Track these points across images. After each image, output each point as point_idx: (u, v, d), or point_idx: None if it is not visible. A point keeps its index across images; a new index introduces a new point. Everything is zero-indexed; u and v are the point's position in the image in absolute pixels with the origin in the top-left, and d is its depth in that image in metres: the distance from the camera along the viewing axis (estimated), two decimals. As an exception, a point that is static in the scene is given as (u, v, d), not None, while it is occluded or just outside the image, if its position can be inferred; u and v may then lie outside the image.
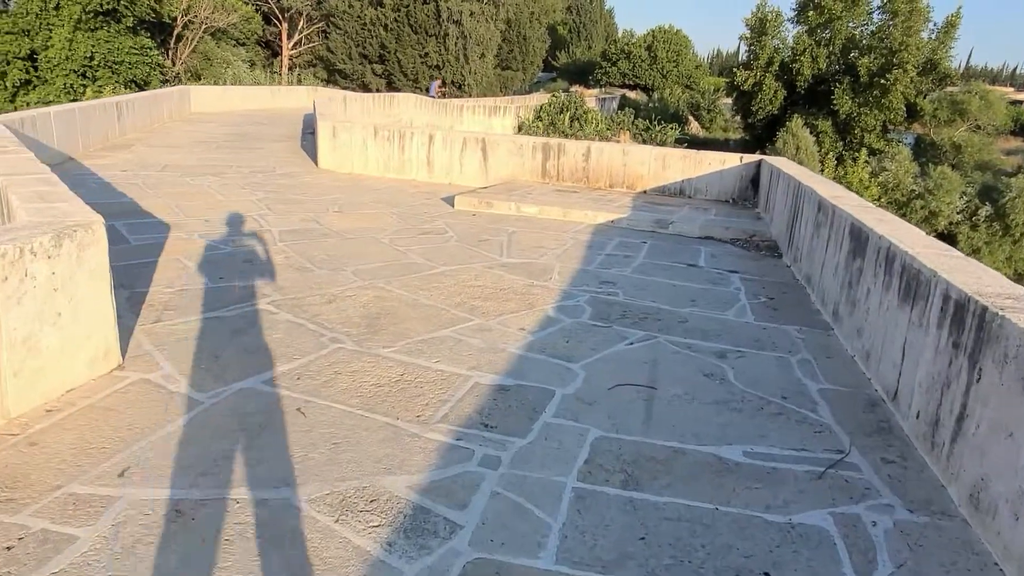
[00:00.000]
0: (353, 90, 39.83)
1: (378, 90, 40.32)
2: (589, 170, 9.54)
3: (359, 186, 9.51)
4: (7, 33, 30.09)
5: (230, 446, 3.01)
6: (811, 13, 35.08)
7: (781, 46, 37.03)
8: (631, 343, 4.46)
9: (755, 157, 8.95)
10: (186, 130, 14.77)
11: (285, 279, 5.32)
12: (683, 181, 9.14)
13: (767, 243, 7.14)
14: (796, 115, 32.22)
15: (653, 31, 57.97)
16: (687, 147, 35.89)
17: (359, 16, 39.72)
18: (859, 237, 4.48)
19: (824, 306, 5.18)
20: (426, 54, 40.30)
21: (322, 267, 5.69)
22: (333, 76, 41.31)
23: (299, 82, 38.76)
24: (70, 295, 3.37)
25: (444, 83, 39.09)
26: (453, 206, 8.41)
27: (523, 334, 4.50)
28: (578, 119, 32.77)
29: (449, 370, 3.91)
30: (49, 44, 30.27)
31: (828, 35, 35.65)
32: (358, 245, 6.44)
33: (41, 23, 30.05)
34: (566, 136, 30.46)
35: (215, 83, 34.46)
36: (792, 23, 37.13)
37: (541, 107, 32.62)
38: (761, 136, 36.25)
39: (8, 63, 30.34)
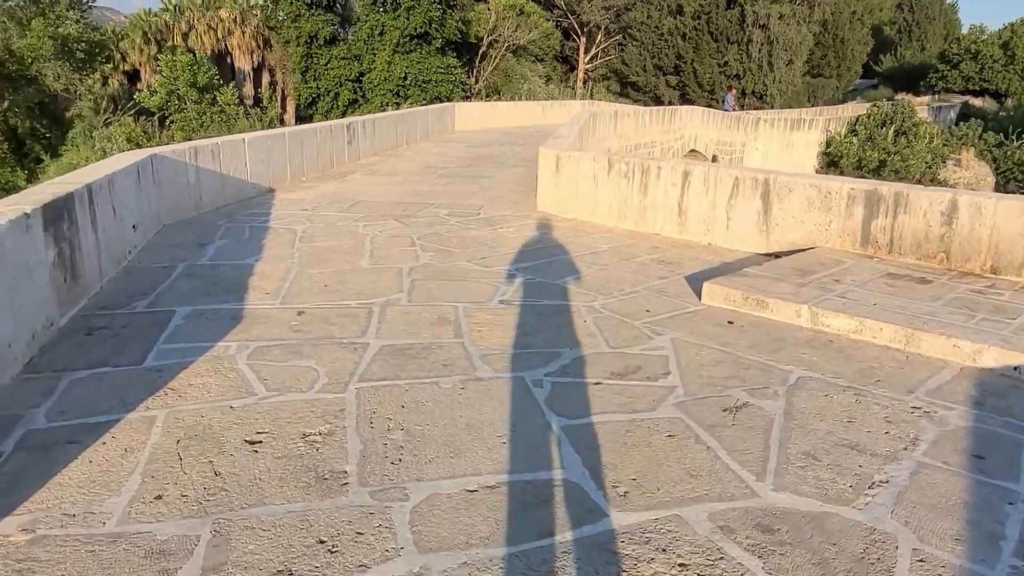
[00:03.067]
0: (645, 103, 36.76)
1: (671, 102, 36.76)
2: (952, 240, 5.28)
3: (573, 244, 6.34)
4: (342, 58, 32.30)
5: None
6: None
7: None
8: None
9: None
10: (428, 152, 12.85)
11: (252, 530, 2.37)
12: None
13: None
14: None
15: (1012, 25, 46.03)
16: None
17: (656, 27, 36.49)
18: None
19: None
20: (725, 63, 35.75)
21: (351, 490, 2.63)
22: (626, 89, 38.68)
23: (591, 96, 36.78)
24: None
25: (743, 94, 34.19)
26: (699, 297, 4.86)
27: None
28: (905, 133, 25.95)
29: None
30: (372, 67, 31.91)
31: None
32: (471, 404, 3.28)
33: (367, 48, 31.79)
34: (888, 155, 24.13)
35: (512, 98, 33.83)
36: None
37: (857, 119, 26.40)
38: None
39: (341, 85, 32.61)
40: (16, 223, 3.53)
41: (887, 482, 2.71)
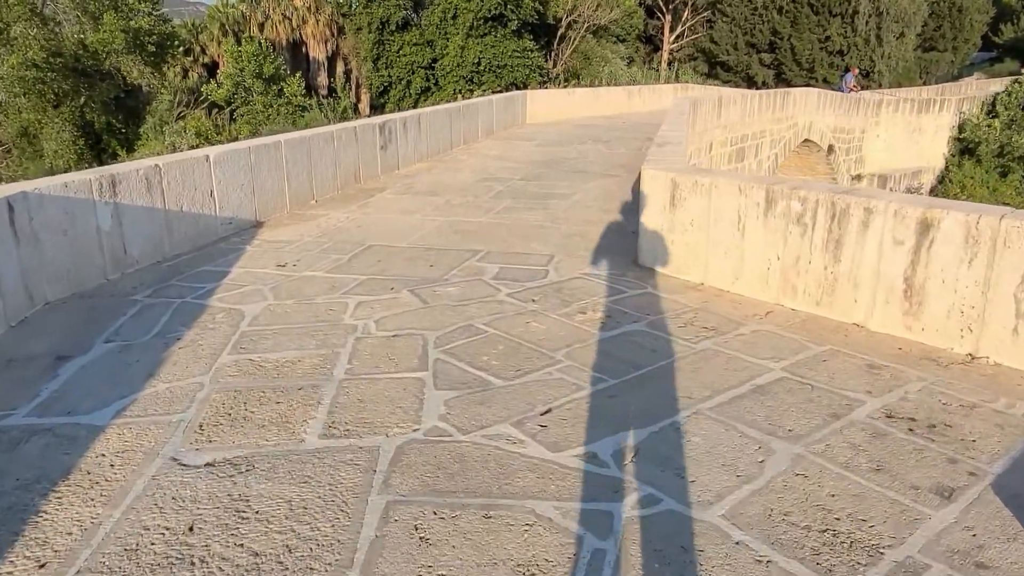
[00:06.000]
0: (735, 84, 32.47)
1: (764, 83, 32.40)
2: None
3: (714, 360, 3.29)
4: (414, 44, 29.82)
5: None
6: None
7: None
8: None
9: None
10: (487, 155, 9.84)
11: None
12: None
13: None
14: None
15: None
16: None
17: (750, 0, 32.07)
18: None
19: None
20: (827, 38, 31.02)
21: None
22: (714, 69, 34.46)
23: (676, 78, 32.83)
24: None
25: (864, 74, 29.17)
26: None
27: None
28: (1057, 114, 21.10)
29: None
30: (445, 52, 29.36)
31: None
32: None
33: (439, 33, 29.22)
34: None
35: (591, 83, 30.44)
36: None
37: (995, 99, 21.71)
38: None
39: (413, 72, 30.18)
40: None
41: None
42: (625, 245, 5.16)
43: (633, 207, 6.44)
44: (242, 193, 5.64)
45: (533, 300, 4.05)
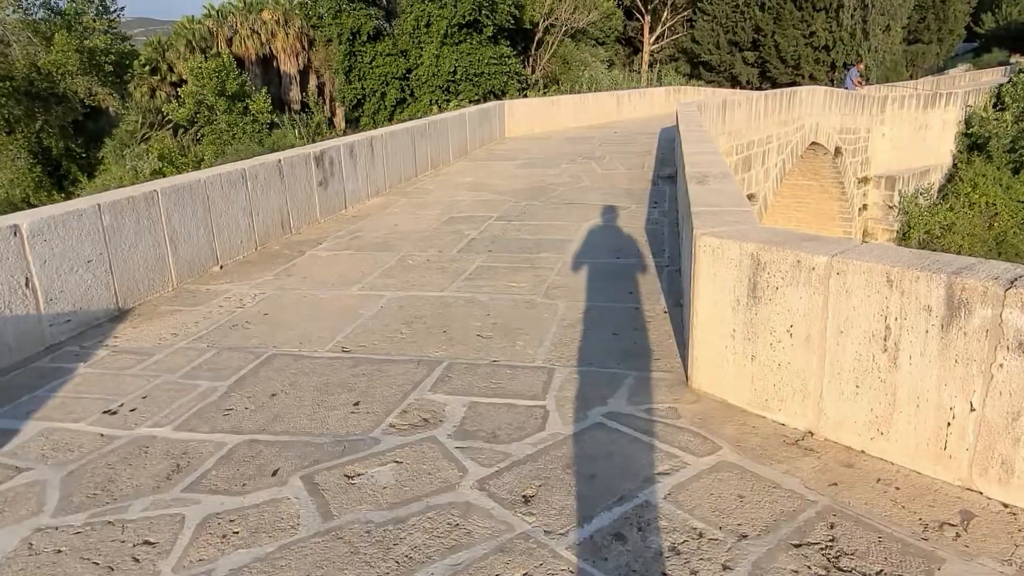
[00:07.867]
0: (719, 84, 30.75)
1: (748, 82, 30.73)
2: None
3: None
4: (388, 55, 27.94)
5: None
6: None
7: None
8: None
9: None
10: (459, 183, 7.87)
11: None
12: None
13: None
14: None
15: None
16: None
17: (732, -3, 30.38)
18: None
19: None
20: (812, 33, 29.38)
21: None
22: (697, 69, 32.75)
23: (659, 80, 31.07)
24: None
25: (832, 67, 27.73)
26: None
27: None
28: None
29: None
30: (420, 62, 27.54)
31: None
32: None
33: (413, 42, 27.38)
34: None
35: (572, 87, 28.60)
36: None
37: (999, 90, 20.06)
38: None
39: (387, 83, 28.32)
40: None
41: None
42: (659, 341, 3.27)
43: (653, 263, 4.55)
44: (90, 274, 3.70)
45: (524, 499, 2.15)
